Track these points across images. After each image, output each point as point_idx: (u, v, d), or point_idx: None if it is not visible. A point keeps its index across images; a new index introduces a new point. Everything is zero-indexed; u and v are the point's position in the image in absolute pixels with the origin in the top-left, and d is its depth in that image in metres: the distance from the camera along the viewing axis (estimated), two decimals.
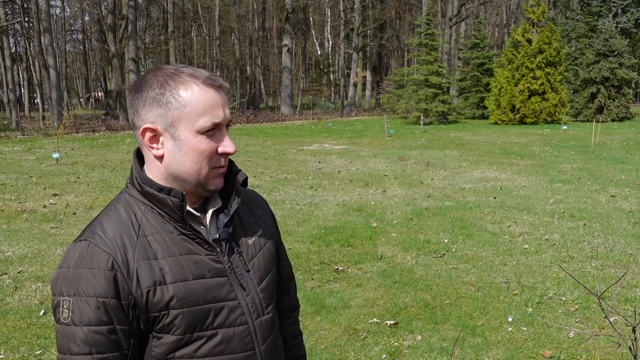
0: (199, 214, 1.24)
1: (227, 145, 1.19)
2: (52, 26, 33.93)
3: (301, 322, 4.32)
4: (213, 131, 1.17)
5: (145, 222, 1.18)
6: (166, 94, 1.15)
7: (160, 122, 1.16)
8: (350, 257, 5.95)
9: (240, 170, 1.29)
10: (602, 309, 1.82)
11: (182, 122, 1.15)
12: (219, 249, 1.23)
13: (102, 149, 17.97)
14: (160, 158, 1.18)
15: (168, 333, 1.16)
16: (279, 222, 7.48)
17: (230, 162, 1.30)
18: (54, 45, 30.70)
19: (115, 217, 1.18)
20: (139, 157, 1.25)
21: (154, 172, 1.21)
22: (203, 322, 1.18)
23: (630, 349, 1.79)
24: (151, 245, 1.16)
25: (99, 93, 60.95)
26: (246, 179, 1.29)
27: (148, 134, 1.17)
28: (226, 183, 1.27)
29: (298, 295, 4.90)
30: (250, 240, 1.31)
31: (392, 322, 4.27)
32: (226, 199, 1.27)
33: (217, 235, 1.24)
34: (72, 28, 59.66)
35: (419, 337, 4.03)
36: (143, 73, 1.24)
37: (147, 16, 49.64)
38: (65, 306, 1.12)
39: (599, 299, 1.80)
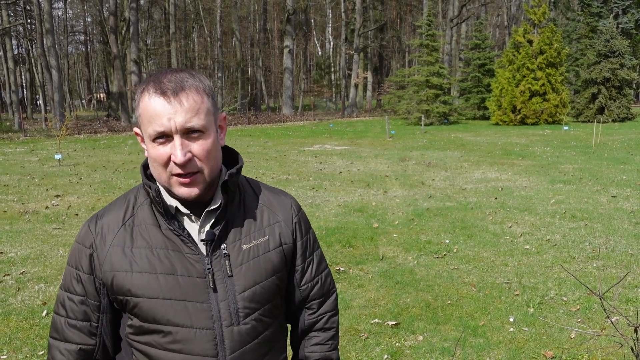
0: (187, 211, 1.24)
1: (174, 155, 1.16)
2: (55, 28, 33.94)
3: None
4: (166, 139, 1.17)
5: (139, 213, 1.26)
6: (136, 102, 1.22)
7: (140, 127, 1.24)
8: (351, 257, 5.96)
9: (234, 170, 1.25)
10: (604, 309, 1.83)
11: (143, 129, 1.21)
12: (204, 249, 1.22)
13: (104, 150, 18.00)
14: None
15: (135, 317, 1.22)
16: None
17: (235, 160, 1.31)
18: (56, 46, 30.76)
19: (117, 205, 1.30)
20: None
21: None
22: (161, 316, 1.19)
23: (632, 349, 1.80)
24: (133, 234, 1.24)
25: (101, 94, 61.04)
26: (226, 181, 1.24)
27: (139, 137, 1.28)
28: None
29: None
30: (246, 246, 1.26)
31: (394, 322, 4.29)
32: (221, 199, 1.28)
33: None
34: (74, 30, 59.74)
35: (421, 338, 4.04)
36: (145, 74, 1.24)
37: (149, 18, 49.70)
38: (64, 272, 1.31)
39: (600, 299, 1.81)
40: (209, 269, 1.21)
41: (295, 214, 1.39)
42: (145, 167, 1.29)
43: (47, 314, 4.53)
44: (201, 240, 1.23)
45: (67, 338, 1.28)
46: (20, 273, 5.57)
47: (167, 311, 1.19)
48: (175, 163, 1.16)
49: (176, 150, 1.16)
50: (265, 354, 1.30)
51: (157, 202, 1.22)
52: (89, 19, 56.50)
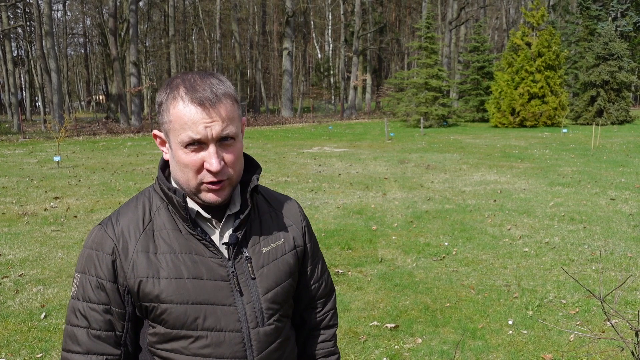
0: (209, 216, 1.25)
1: (210, 163, 1.18)
2: (54, 30, 33.96)
3: None
4: (199, 146, 1.18)
5: (157, 217, 1.25)
6: (163, 106, 1.21)
7: (163, 131, 1.24)
8: (350, 260, 5.96)
9: (257, 175, 1.30)
10: (604, 312, 1.83)
11: (171, 134, 1.20)
12: (226, 253, 1.24)
13: (103, 152, 17.99)
14: (169, 161, 1.27)
15: (159, 324, 1.21)
16: None
17: (252, 167, 1.33)
18: (56, 48, 30.76)
19: (130, 208, 1.27)
20: None
21: (171, 171, 1.28)
22: (191, 321, 1.19)
23: (633, 352, 1.80)
24: (155, 239, 1.22)
25: (100, 96, 61.05)
26: (256, 186, 1.29)
27: (158, 139, 1.28)
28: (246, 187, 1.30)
29: None
30: (266, 249, 1.31)
31: (393, 325, 4.28)
32: (245, 203, 1.28)
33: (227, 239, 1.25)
34: (74, 32, 59.76)
35: (420, 340, 4.03)
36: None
37: (148, 20, 49.73)
38: (75, 281, 1.25)
39: (601, 301, 1.81)
40: (232, 272, 1.23)
41: (303, 218, 1.45)
42: (163, 171, 1.29)
43: (45, 317, 4.52)
44: (222, 244, 1.25)
45: (91, 350, 1.23)
46: (19, 275, 5.56)
47: (198, 316, 1.20)
48: (209, 171, 1.18)
49: (212, 158, 1.17)
50: (285, 351, 1.35)
51: (182, 207, 1.20)
52: (88, 21, 56.53)
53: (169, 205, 1.24)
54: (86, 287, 1.22)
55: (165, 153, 1.27)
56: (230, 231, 1.26)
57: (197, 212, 1.25)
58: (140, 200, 1.28)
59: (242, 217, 1.26)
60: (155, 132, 1.28)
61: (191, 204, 1.26)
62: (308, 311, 1.49)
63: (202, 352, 1.21)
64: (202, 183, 1.20)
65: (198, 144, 1.17)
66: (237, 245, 1.25)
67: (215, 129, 1.17)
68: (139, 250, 1.21)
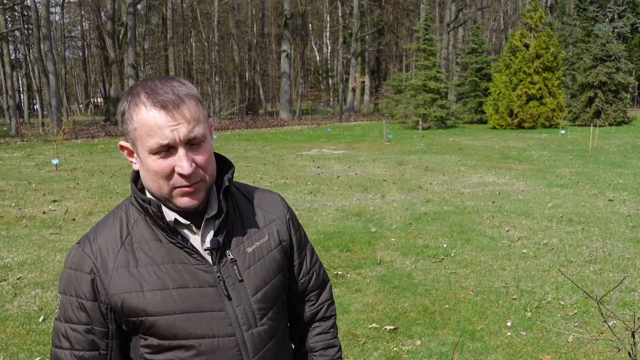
0: (187, 222, 1.23)
1: (181, 167, 1.15)
2: (52, 33, 33.97)
3: None
4: (168, 152, 1.15)
5: (136, 230, 1.22)
6: (126, 115, 1.18)
7: (129, 140, 1.20)
8: (349, 262, 5.96)
9: (229, 175, 1.27)
10: (602, 314, 1.84)
11: (137, 142, 1.17)
12: (210, 258, 1.22)
13: (102, 154, 17.99)
14: (139, 172, 1.24)
15: (151, 336, 1.20)
16: None
17: (227, 166, 1.31)
18: (54, 51, 30.75)
19: (105, 224, 1.25)
20: None
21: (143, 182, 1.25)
22: (182, 330, 1.17)
23: (629, 353, 1.80)
24: (135, 253, 1.20)
25: (98, 99, 61.03)
26: (228, 186, 1.25)
27: (125, 150, 1.24)
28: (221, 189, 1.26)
29: None
30: (250, 248, 1.28)
31: (392, 327, 4.28)
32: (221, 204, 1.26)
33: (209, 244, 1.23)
34: (72, 34, 59.76)
35: (418, 342, 4.04)
36: (141, 79, 1.25)
37: (147, 22, 49.77)
38: (57, 303, 1.23)
39: (598, 303, 1.82)
40: (219, 277, 1.21)
41: (286, 211, 1.42)
42: (135, 182, 1.26)
43: (43, 320, 4.52)
44: (205, 250, 1.22)
45: None
46: (17, 278, 5.55)
47: (188, 325, 1.18)
48: (181, 175, 1.16)
49: (182, 162, 1.15)
50: (281, 349, 1.34)
51: (158, 216, 1.18)
52: (86, 24, 56.54)
53: (146, 216, 1.22)
54: (67, 308, 1.21)
55: (135, 163, 1.23)
56: (211, 235, 1.24)
57: (175, 219, 1.23)
58: (117, 215, 1.25)
59: (220, 220, 1.24)
60: (122, 143, 1.24)
61: (168, 212, 1.23)
62: (301, 305, 1.47)
63: None
64: (174, 188, 1.17)
65: (166, 150, 1.15)
66: (219, 249, 1.23)
67: (182, 131, 1.14)
68: (118, 266, 1.18)
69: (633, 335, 1.77)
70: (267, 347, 1.27)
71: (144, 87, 1.17)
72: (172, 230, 1.21)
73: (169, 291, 1.17)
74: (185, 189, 1.17)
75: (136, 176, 1.27)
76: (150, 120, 1.14)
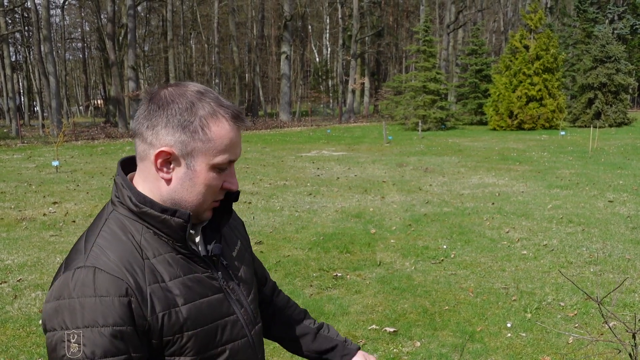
0: (193, 232, 1.23)
1: (232, 183, 1.19)
2: (52, 35, 34.02)
3: None
4: (226, 168, 1.17)
5: (145, 244, 1.14)
6: (195, 123, 1.11)
7: (179, 149, 1.12)
8: (349, 263, 5.96)
9: None
10: (602, 315, 1.84)
11: (201, 154, 1.13)
12: (212, 266, 1.23)
13: (102, 156, 17.99)
14: (168, 181, 1.15)
15: (181, 355, 1.15)
16: (278, 229, 7.50)
17: None
18: (54, 53, 30.78)
19: (114, 239, 1.12)
20: (124, 169, 1.21)
21: (152, 190, 1.16)
22: (213, 340, 1.18)
23: (630, 355, 1.80)
24: (157, 267, 1.13)
25: (99, 101, 61.05)
26: (238, 193, 1.26)
27: (163, 156, 1.12)
28: None
29: (297, 301, 4.92)
30: (234, 253, 1.32)
31: (391, 328, 4.28)
32: (214, 213, 1.26)
33: (207, 252, 1.23)
34: (72, 36, 59.81)
35: (418, 344, 4.04)
36: (160, 86, 1.17)
37: (147, 24, 49.80)
38: (73, 340, 1.04)
39: (598, 304, 1.82)
40: (223, 282, 1.24)
41: (237, 215, 1.46)
42: (142, 197, 1.15)
43: None
44: (212, 256, 1.23)
45: None
46: (17, 280, 5.55)
47: (219, 333, 1.20)
48: (229, 190, 1.20)
49: (234, 178, 1.19)
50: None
51: (182, 227, 1.14)
52: (87, 26, 56.60)
53: (158, 228, 1.14)
54: (98, 342, 1.04)
55: (167, 172, 1.14)
56: (204, 242, 1.26)
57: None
58: (114, 229, 1.14)
59: (223, 225, 1.27)
60: (166, 149, 1.11)
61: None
62: (265, 286, 1.56)
63: None
64: (211, 202, 1.20)
65: (227, 166, 1.17)
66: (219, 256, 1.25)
67: (241, 150, 1.19)
68: (150, 283, 1.10)
69: (634, 337, 1.77)
70: (262, 341, 1.35)
71: (204, 94, 1.14)
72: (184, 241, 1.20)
73: (199, 302, 1.16)
74: (216, 203, 1.21)
75: (131, 183, 1.18)
76: (230, 136, 1.14)
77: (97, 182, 11.95)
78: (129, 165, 1.24)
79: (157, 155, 1.12)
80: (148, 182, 1.16)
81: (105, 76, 46.71)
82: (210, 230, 1.26)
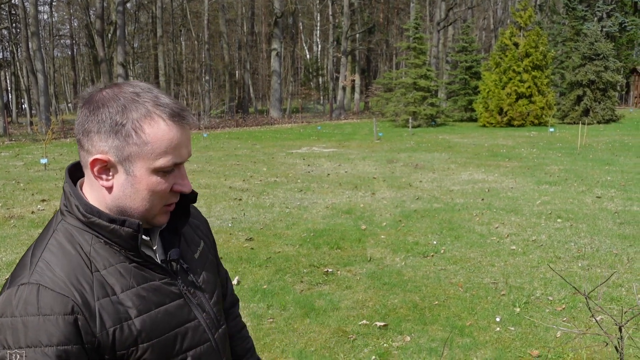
0: (148, 238, 1.16)
1: (183, 185, 1.12)
2: (40, 31, 33.72)
3: (290, 325, 4.34)
4: (172, 171, 1.11)
5: (95, 255, 1.08)
6: (127, 126, 1.05)
7: (114, 155, 1.07)
8: (339, 259, 5.97)
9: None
10: (589, 308, 1.86)
11: (139, 159, 1.07)
12: (171, 271, 1.18)
13: None
14: (109, 189, 1.10)
15: None
16: (268, 226, 7.49)
17: None
18: (42, 50, 30.54)
19: (61, 253, 1.07)
20: (73, 177, 1.15)
21: (98, 198, 1.11)
22: (172, 349, 1.14)
23: (616, 347, 1.83)
24: (107, 280, 1.07)
25: None
26: (196, 195, 1.23)
27: (98, 165, 1.08)
28: None
29: (287, 297, 4.91)
30: (196, 255, 1.27)
31: (382, 323, 4.30)
32: (171, 216, 1.22)
33: (166, 256, 1.19)
34: (60, 33, 59.33)
35: (408, 338, 4.06)
36: (102, 87, 1.12)
37: (136, 21, 49.49)
38: None
39: (586, 298, 1.84)
40: (183, 287, 1.19)
41: (200, 214, 1.40)
42: (90, 206, 1.10)
43: None
44: (171, 261, 1.18)
45: None
46: (6, 279, 5.51)
47: (178, 341, 1.15)
48: (181, 193, 1.13)
49: (185, 180, 1.13)
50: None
51: (133, 236, 1.09)
52: (75, 23, 56.16)
53: (108, 238, 1.09)
54: None
55: (107, 180, 1.09)
56: (162, 246, 1.22)
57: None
58: (62, 241, 1.09)
59: (181, 229, 1.22)
60: (100, 156, 1.06)
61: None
62: (224, 295, 1.51)
63: None
64: (164, 206, 1.13)
65: (173, 169, 1.10)
66: (177, 261, 1.20)
67: (189, 149, 1.11)
68: (99, 297, 1.05)
69: (620, 330, 1.79)
70: (227, 343, 1.30)
71: (138, 94, 1.07)
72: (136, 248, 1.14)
73: (155, 312, 1.11)
74: (169, 207, 1.14)
75: (79, 193, 1.12)
76: (170, 137, 1.07)
77: None
78: (81, 170, 1.16)
79: (92, 163, 1.07)
80: (94, 191, 1.12)
81: (94, 73, 46.41)
82: (168, 233, 1.22)
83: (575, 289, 1.75)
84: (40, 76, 28.31)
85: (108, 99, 1.06)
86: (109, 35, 35.28)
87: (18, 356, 1.00)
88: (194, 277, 1.23)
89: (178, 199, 1.16)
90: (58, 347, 1.00)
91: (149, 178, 1.08)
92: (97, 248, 1.09)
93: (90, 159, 1.07)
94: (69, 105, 62.90)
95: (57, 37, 57.50)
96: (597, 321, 1.97)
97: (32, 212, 8.54)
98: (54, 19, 54.48)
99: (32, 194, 10.12)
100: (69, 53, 62.04)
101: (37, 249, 1.09)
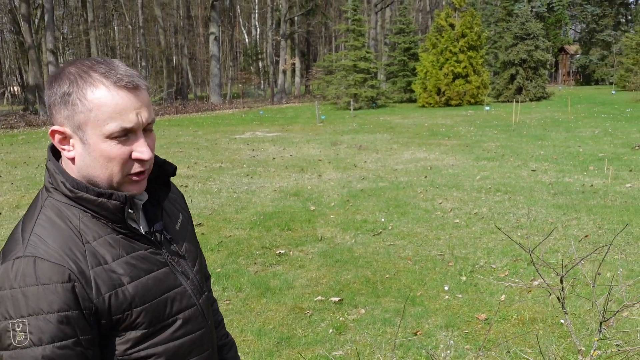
0: (132, 211, 1.21)
1: (141, 152, 1.12)
2: None
3: (247, 305, 4.40)
4: (126, 136, 1.11)
5: (84, 228, 1.13)
6: (72, 95, 1.09)
7: (68, 125, 1.11)
8: (291, 240, 6.05)
9: (165, 160, 1.28)
10: (533, 263, 2.01)
11: (88, 126, 1.09)
12: (155, 241, 1.23)
13: (24, 145, 17.11)
14: (72, 160, 1.14)
15: (132, 329, 1.16)
16: (217, 211, 7.47)
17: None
18: None
19: (52, 227, 1.11)
20: (55, 155, 1.20)
21: (71, 172, 1.16)
22: (163, 312, 1.20)
23: (558, 298, 1.99)
24: (98, 250, 1.12)
25: (15, 87, 57.62)
26: (175, 168, 1.27)
27: (57, 136, 1.13)
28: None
29: (242, 279, 4.95)
30: (177, 226, 1.33)
31: (337, 298, 4.42)
32: (151, 189, 1.26)
33: (149, 228, 1.24)
34: None
35: (363, 311, 4.20)
36: (63, 64, 1.15)
37: (64, 5, 47.28)
38: (19, 329, 1.04)
39: (530, 253, 1.99)
40: (168, 256, 1.24)
41: (177, 188, 1.45)
42: (77, 182, 1.13)
43: None
44: (154, 232, 1.24)
45: None
46: None
47: (168, 305, 1.21)
48: (140, 161, 1.14)
49: (143, 147, 1.13)
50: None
51: (119, 209, 1.13)
52: None
53: (95, 211, 1.14)
54: (45, 328, 1.04)
55: (69, 151, 1.13)
56: (145, 218, 1.25)
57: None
58: (51, 216, 1.13)
59: (162, 201, 1.27)
60: (57, 127, 1.12)
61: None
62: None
63: (177, 335, 1.23)
64: (126, 175, 1.14)
65: (125, 134, 1.11)
66: (161, 231, 1.25)
67: (144, 115, 1.12)
68: (93, 266, 1.10)
69: (562, 281, 1.95)
70: (210, 308, 1.37)
71: (92, 66, 1.10)
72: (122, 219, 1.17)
73: (145, 279, 1.17)
74: (137, 177, 1.16)
75: (60, 167, 1.16)
76: (113, 102, 1.08)
77: (22, 172, 11.40)
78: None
79: (52, 135, 1.13)
80: (66, 165, 1.17)
81: (21, 61, 44.09)
82: (151, 206, 1.26)
83: (520, 245, 1.90)
84: None
85: (63, 73, 1.12)
86: (36, 20, 33.57)
87: (21, 325, 1.04)
88: (177, 247, 1.28)
89: (145, 168, 1.16)
90: (59, 313, 1.05)
91: (103, 144, 1.10)
92: (85, 221, 1.14)
93: (49, 131, 1.13)
94: None
95: None
96: (539, 274, 2.13)
97: None
98: None
99: None
100: None
101: (27, 225, 1.13)
